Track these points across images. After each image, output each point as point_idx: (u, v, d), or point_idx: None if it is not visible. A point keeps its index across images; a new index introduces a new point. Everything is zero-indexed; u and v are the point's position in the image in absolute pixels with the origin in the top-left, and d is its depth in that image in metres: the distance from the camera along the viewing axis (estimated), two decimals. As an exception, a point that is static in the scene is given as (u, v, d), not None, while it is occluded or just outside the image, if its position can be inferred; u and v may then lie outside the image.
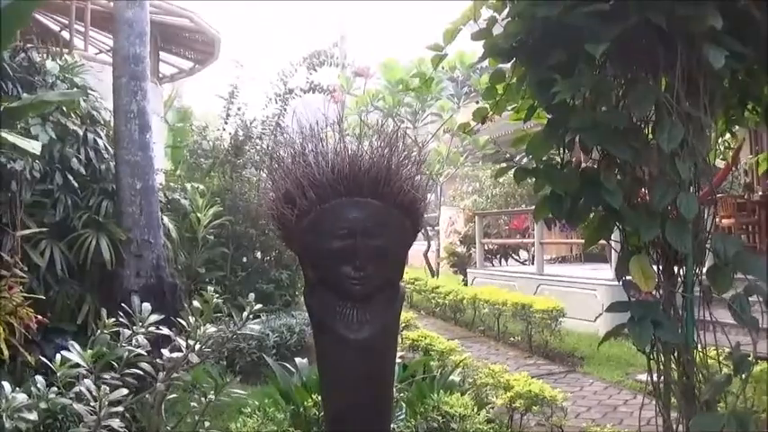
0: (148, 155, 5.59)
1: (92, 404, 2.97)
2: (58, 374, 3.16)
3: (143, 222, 5.46)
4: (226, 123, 8.93)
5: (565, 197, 2.61)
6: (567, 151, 2.70)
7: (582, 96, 2.65)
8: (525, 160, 2.91)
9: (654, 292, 2.62)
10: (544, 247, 11.12)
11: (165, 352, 3.41)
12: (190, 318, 3.47)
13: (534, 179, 2.75)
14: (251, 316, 3.51)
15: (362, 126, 3.03)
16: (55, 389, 3.12)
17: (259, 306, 3.56)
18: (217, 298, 3.56)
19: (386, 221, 2.81)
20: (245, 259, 8.04)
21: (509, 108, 3.18)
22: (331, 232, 2.74)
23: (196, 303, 3.52)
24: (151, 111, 5.80)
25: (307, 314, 6.19)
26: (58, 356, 3.21)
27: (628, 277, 2.59)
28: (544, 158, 2.74)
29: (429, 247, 14.72)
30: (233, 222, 7.80)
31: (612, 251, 8.24)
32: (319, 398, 3.86)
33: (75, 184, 5.33)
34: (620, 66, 2.64)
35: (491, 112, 3.17)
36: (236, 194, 8.14)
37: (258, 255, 8.35)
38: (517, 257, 14.54)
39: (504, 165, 2.89)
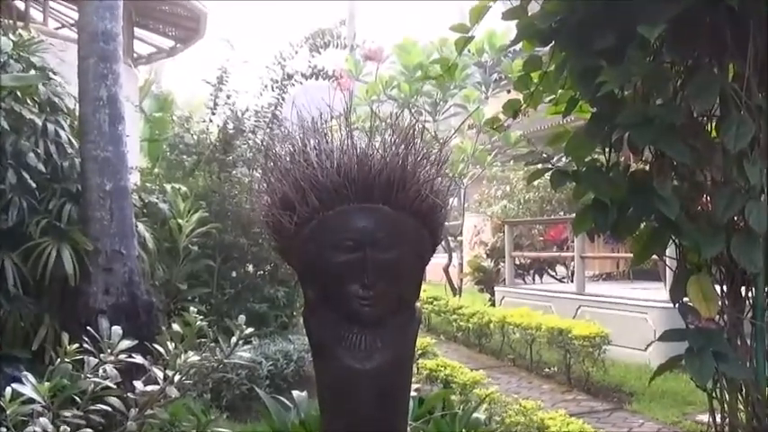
0: (121, 150, 5.61)
1: (49, 447, 2.96)
2: (8, 412, 3.10)
3: (113, 230, 5.48)
4: (213, 114, 8.95)
5: (611, 205, 2.61)
6: (613, 151, 2.70)
7: (632, 87, 2.65)
8: (564, 161, 2.90)
9: (716, 319, 2.61)
10: (585, 261, 11.10)
11: (139, 384, 3.42)
12: (168, 343, 3.48)
13: (575, 184, 2.75)
14: (241, 341, 3.51)
15: (374, 119, 3.03)
16: (3, 430, 3.10)
17: (250, 330, 3.57)
18: (201, 320, 3.57)
19: (400, 231, 2.80)
20: (234, 274, 8.05)
21: (546, 100, 3.17)
22: (336, 244, 2.74)
23: (176, 326, 3.53)
24: (124, 98, 5.80)
25: (306, 339, 6.15)
26: (9, 390, 3.15)
27: (685, 300, 2.58)
28: (587, 160, 2.74)
29: (450, 260, 14.73)
30: (221, 230, 7.81)
31: (667, 268, 8.24)
32: (320, 438, 3.86)
33: (33, 184, 5.27)
34: (679, 51, 2.64)
35: (525, 105, 3.17)
36: (225, 198, 8.16)
37: (250, 269, 8.35)
38: (554, 274, 14.51)
39: (539, 167, 2.89)
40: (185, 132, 9.08)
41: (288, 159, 2.90)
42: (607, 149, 2.71)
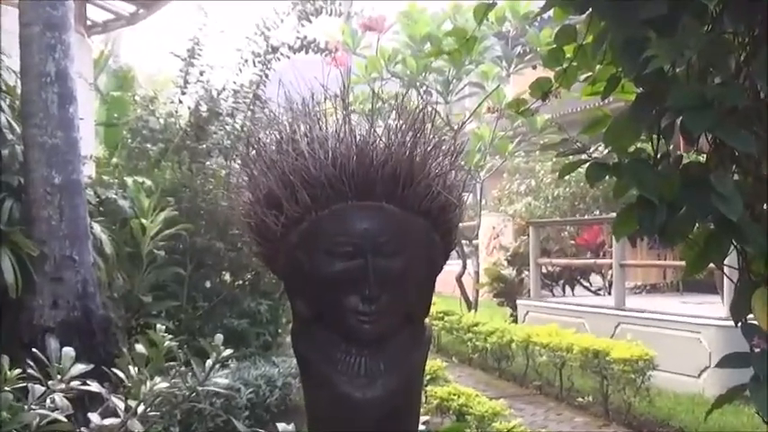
0: (72, 136, 5.61)
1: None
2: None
3: (64, 231, 5.48)
4: (183, 93, 8.97)
5: (659, 204, 2.60)
6: (662, 140, 2.69)
7: (686, 63, 2.64)
8: (602, 152, 2.90)
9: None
10: (626, 270, 11.08)
11: (94, 417, 3.41)
12: (130, 367, 3.48)
13: (615, 179, 2.74)
14: (217, 365, 3.51)
15: (375, 100, 3.03)
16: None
17: (228, 351, 3.57)
18: (169, 339, 3.57)
19: (408, 234, 2.80)
20: (208, 284, 8.06)
21: (581, 79, 3.17)
22: (331, 249, 2.74)
23: (139, 347, 3.53)
24: (76, 73, 5.81)
25: (294, 361, 6.13)
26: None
27: (749, 318, 2.57)
28: (630, 150, 2.73)
29: (464, 269, 14.71)
30: (192, 232, 7.82)
31: (726, 280, 8.22)
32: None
33: (-38, 177, 5.30)
34: (743, 19, 2.63)
35: (556, 85, 3.16)
36: (198, 193, 8.17)
37: (227, 278, 8.36)
38: (587, 284, 14.52)
39: (571, 158, 2.89)
40: (149, 115, 9.08)
41: (273, 148, 2.90)
42: (655, 137, 2.70)
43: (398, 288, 2.76)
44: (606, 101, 3.06)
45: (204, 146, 8.57)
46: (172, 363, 3.93)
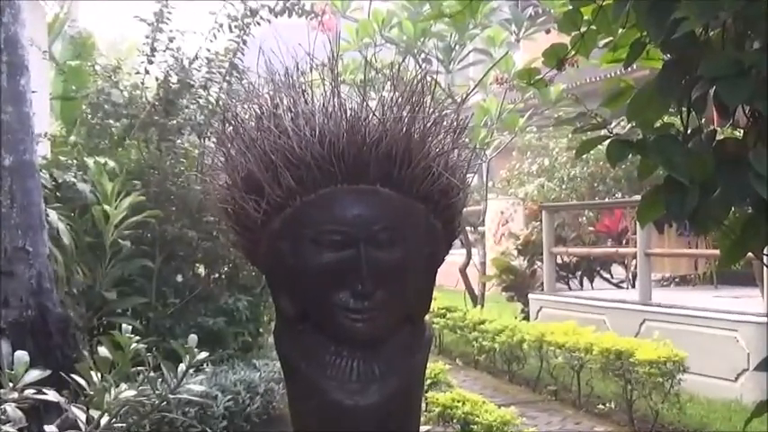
0: (24, 111, 5.59)
1: None
2: None
3: (15, 220, 5.47)
4: (150, 63, 8.93)
5: (690, 186, 2.59)
6: (693, 114, 2.69)
7: (721, 26, 2.64)
8: (625, 127, 2.90)
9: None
10: (652, 260, 11.12)
11: (51, 430, 3.41)
12: (92, 373, 3.48)
13: (640, 157, 2.74)
14: (191, 369, 3.51)
15: (368, 70, 3.03)
16: None
17: (203, 354, 3.57)
18: (136, 341, 3.56)
19: (405, 221, 2.83)
20: (180, 278, 8.07)
21: (600, 45, 3.16)
22: (319, 238, 2.76)
23: (103, 350, 3.52)
24: (27, 40, 5.79)
25: (278, 365, 6.13)
26: None
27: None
28: (657, 124, 2.73)
29: (469, 259, 14.74)
30: (161, 220, 7.81)
31: (766, 270, 8.18)
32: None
33: None
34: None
35: (572, 52, 3.16)
36: (167, 176, 8.16)
37: (201, 271, 8.36)
38: (608, 276, 14.55)
39: (590, 134, 2.89)
40: (112, 87, 9.03)
41: (253, 125, 2.91)
42: (685, 111, 2.70)
43: (395, 282, 2.80)
44: (629, 69, 3.05)
45: (174, 122, 8.56)
46: (139, 368, 3.92)
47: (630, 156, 2.75)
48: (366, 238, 2.73)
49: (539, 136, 16.55)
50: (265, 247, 2.90)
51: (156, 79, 8.86)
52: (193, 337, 3.56)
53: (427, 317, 3.10)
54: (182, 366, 3.56)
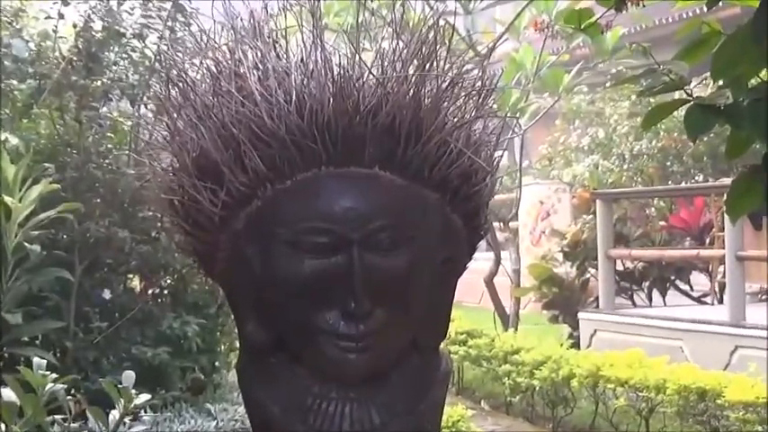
0: None
1: None
2: None
3: None
4: (66, 4, 8.93)
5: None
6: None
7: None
8: (709, 87, 2.90)
9: None
10: (746, 266, 11.12)
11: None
12: (-7, 422, 3.50)
13: (729, 128, 2.75)
14: (127, 417, 3.53)
15: (362, 11, 3.02)
16: None
17: (145, 397, 3.58)
18: (52, 380, 3.58)
19: (413, 218, 2.79)
20: (107, 294, 8.07)
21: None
22: (297, 241, 2.71)
23: (7, 392, 3.54)
24: None
25: (242, 410, 6.13)
26: None
27: None
28: (752, 84, 2.74)
29: (498, 266, 14.74)
30: (82, 216, 7.82)
31: None
32: None
33: None
34: None
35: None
36: (90, 156, 8.16)
37: (136, 284, 8.37)
38: (686, 288, 14.53)
39: (660, 97, 2.90)
40: (13, 37, 9.04)
41: (207, 87, 2.89)
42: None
43: (399, 298, 2.74)
44: (714, 8, 3.06)
45: (99, 83, 8.57)
46: (57, 416, 3.93)
47: (717, 126, 2.76)
48: (360, 239, 2.67)
49: (591, 99, 16.56)
50: (225, 252, 2.85)
51: (74, 26, 8.86)
52: (130, 374, 3.58)
53: (443, 344, 3.07)
54: (114, 414, 3.57)
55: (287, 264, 2.71)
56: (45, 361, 3.70)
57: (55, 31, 8.97)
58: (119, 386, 3.58)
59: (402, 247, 2.72)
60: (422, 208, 2.80)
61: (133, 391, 3.59)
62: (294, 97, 2.71)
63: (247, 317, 2.88)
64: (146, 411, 6.29)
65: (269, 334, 2.84)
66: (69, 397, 3.71)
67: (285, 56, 2.86)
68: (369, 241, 2.68)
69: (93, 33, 8.69)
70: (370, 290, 2.65)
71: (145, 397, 3.58)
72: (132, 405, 3.58)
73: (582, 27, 3.47)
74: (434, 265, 2.87)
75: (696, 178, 14.31)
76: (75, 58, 8.65)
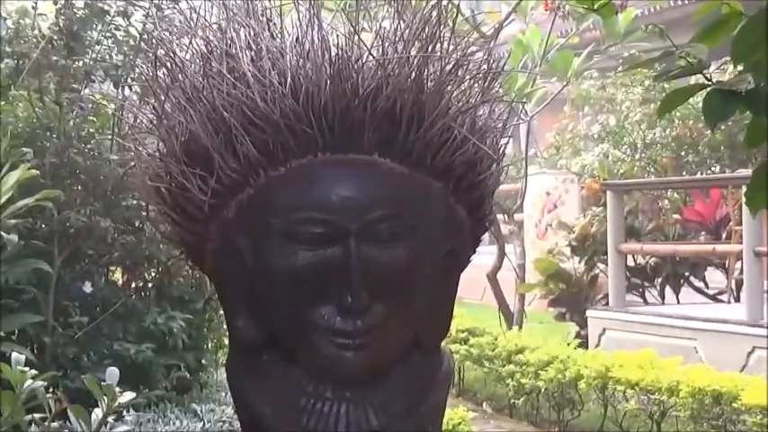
0: None
1: None
2: None
3: None
4: (45, -21, 8.96)
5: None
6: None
7: None
8: (729, 72, 2.92)
9: None
10: (765, 262, 11.14)
11: None
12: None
13: (750, 115, 2.77)
14: (110, 417, 3.54)
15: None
16: None
17: (129, 396, 3.59)
18: (31, 376, 3.59)
19: (414, 208, 2.79)
20: (88, 287, 8.07)
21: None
22: (291, 231, 2.71)
23: (-18, 390, 3.56)
24: None
25: (230, 411, 6.16)
26: None
27: None
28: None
29: (501, 261, 14.73)
30: (62, 204, 7.82)
31: None
32: None
33: None
34: None
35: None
36: (71, 141, 8.16)
37: (118, 277, 8.36)
38: (701, 284, 14.51)
39: (676, 82, 2.91)
40: (-11, 15, 9.08)
41: (197, 68, 2.89)
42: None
43: (399, 293, 2.74)
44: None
45: (81, 63, 8.57)
46: (36, 414, 3.94)
47: (738, 112, 2.77)
48: (358, 230, 2.67)
49: (602, 83, 16.54)
50: (215, 242, 2.84)
51: (55, 2, 8.85)
52: (114, 371, 3.58)
53: (444, 343, 3.08)
54: (96, 413, 3.58)
55: (280, 255, 2.72)
56: (24, 356, 3.70)
57: (34, 8, 8.96)
58: (103, 384, 3.58)
59: (402, 239, 2.73)
60: (424, 197, 2.80)
61: (118, 389, 3.60)
62: (289, 79, 2.70)
63: (238, 312, 2.87)
64: (127, 411, 6.33)
65: (261, 330, 2.84)
66: (49, 395, 3.72)
67: (280, 35, 2.85)
68: (367, 232, 2.68)
69: (75, 11, 8.68)
70: (368, 284, 2.65)
71: (130, 395, 3.58)
72: (116, 403, 3.58)
73: (596, 7, 3.47)
74: (437, 259, 2.87)
75: (712, 169, 14.29)
76: (55, 37, 8.64)
